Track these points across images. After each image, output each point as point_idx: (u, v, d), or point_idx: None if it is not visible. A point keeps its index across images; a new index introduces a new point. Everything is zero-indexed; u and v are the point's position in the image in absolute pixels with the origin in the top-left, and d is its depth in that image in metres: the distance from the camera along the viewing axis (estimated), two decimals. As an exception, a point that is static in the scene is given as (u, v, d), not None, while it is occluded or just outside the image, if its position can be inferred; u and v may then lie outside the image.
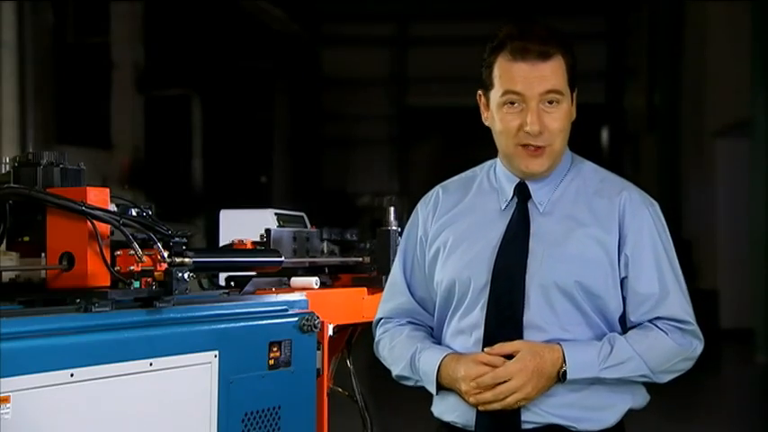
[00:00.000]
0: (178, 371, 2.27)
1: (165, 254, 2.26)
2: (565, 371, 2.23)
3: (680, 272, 2.36)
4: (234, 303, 2.60)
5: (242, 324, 2.49)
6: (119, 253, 2.26)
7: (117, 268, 2.24)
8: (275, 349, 2.56)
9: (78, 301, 2.18)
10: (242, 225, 3.20)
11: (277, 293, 2.80)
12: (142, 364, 2.18)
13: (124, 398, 2.14)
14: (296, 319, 2.65)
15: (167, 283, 2.26)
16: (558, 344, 2.25)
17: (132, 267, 2.25)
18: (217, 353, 2.38)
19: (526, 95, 2.27)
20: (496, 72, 2.31)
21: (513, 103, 2.29)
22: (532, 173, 2.34)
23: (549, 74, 2.27)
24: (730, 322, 13.09)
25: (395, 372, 2.45)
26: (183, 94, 13.25)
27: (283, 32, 15.63)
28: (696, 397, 8.88)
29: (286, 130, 16.82)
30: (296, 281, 2.98)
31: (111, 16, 11.56)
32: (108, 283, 2.23)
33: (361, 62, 17.59)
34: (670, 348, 2.30)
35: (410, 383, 2.42)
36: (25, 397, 1.92)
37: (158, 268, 2.26)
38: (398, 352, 2.43)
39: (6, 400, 1.89)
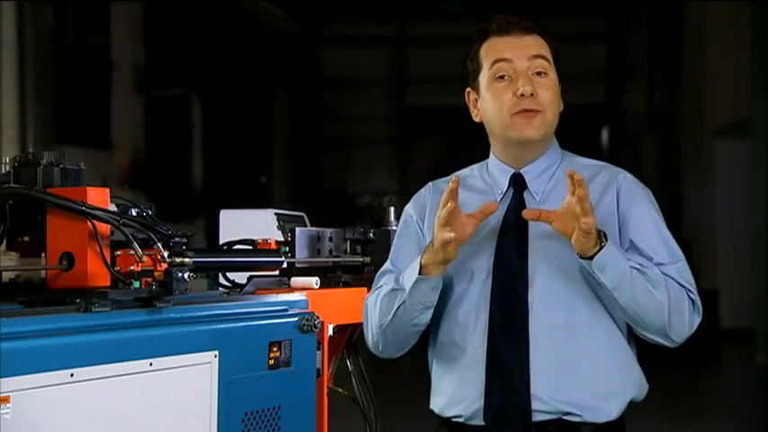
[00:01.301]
0: (178, 371, 2.27)
1: (165, 254, 2.25)
2: (599, 250, 2.18)
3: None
4: (234, 303, 2.60)
5: (242, 324, 2.49)
6: (119, 253, 2.25)
7: (117, 268, 2.23)
8: (275, 349, 2.56)
9: (78, 301, 2.17)
10: (242, 225, 3.20)
11: (277, 293, 2.80)
12: (142, 364, 2.18)
13: (124, 398, 2.14)
14: (296, 319, 2.65)
15: (167, 283, 2.25)
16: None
17: (132, 267, 2.24)
18: (217, 353, 2.38)
19: (515, 62, 2.33)
20: (483, 52, 2.38)
21: (502, 78, 2.34)
22: (529, 138, 2.34)
23: (534, 44, 2.36)
24: (730, 322, 13.09)
25: (380, 295, 2.40)
26: (183, 94, 13.26)
27: (283, 32, 15.63)
28: (696, 397, 8.89)
29: (286, 130, 16.82)
30: (296, 281, 2.98)
31: (111, 16, 11.56)
32: (108, 283, 2.22)
33: (361, 62, 17.59)
34: (678, 287, 2.29)
35: (391, 313, 2.36)
36: (25, 397, 1.92)
37: (158, 268, 2.25)
38: (385, 288, 2.41)
39: (6, 400, 1.89)
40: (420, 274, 2.28)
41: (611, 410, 2.30)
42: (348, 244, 3.27)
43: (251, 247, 2.90)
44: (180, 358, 2.28)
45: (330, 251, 3.19)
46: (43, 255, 2.23)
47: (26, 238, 2.25)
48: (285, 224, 3.30)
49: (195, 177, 13.49)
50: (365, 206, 15.88)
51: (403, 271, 2.43)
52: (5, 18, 9.19)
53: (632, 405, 2.36)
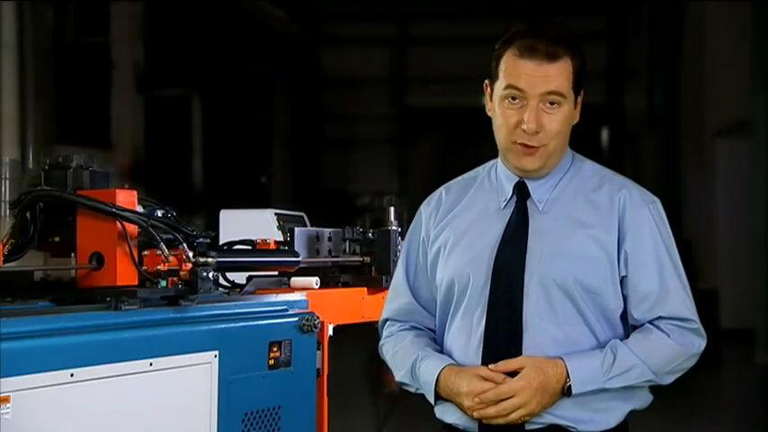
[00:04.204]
0: (178, 371, 2.28)
1: (190, 254, 2.33)
2: (570, 386, 2.23)
3: (682, 269, 2.36)
4: (234, 303, 2.60)
5: (242, 324, 2.49)
6: (146, 253, 2.32)
7: (144, 268, 2.31)
8: (275, 349, 2.56)
9: (108, 299, 2.23)
10: (242, 225, 3.21)
11: (277, 293, 2.80)
12: (142, 364, 2.18)
13: (124, 398, 2.14)
14: (296, 319, 2.66)
15: (192, 282, 2.34)
16: (561, 359, 2.24)
17: (159, 267, 2.32)
18: (217, 353, 2.38)
19: (528, 93, 2.27)
20: (502, 66, 2.31)
21: (514, 99, 2.29)
22: (524, 170, 2.34)
23: (554, 75, 2.27)
24: (730, 322, 13.08)
25: (397, 378, 2.46)
26: (183, 94, 13.25)
27: (283, 32, 15.62)
28: (696, 397, 8.88)
29: (286, 130, 16.81)
30: (296, 281, 2.98)
31: (111, 16, 11.55)
32: (136, 282, 2.29)
33: (361, 62, 17.58)
34: (672, 350, 2.30)
35: (411, 390, 2.43)
36: (25, 397, 1.93)
37: (183, 268, 2.33)
38: (401, 358, 2.44)
39: (6, 400, 1.89)
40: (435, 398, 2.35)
41: (608, 420, 2.30)
42: (348, 244, 3.27)
43: (267, 248, 2.93)
44: (180, 358, 2.28)
45: (329, 251, 3.18)
46: (73, 254, 2.30)
47: (56, 239, 2.32)
48: (285, 224, 3.30)
49: (195, 177, 13.48)
50: (365, 206, 15.88)
51: (413, 285, 2.49)
52: (5, 18, 9.17)
53: (633, 411, 2.36)
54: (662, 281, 2.32)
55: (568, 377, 2.23)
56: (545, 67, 2.27)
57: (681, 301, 2.33)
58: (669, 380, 2.34)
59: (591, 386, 2.24)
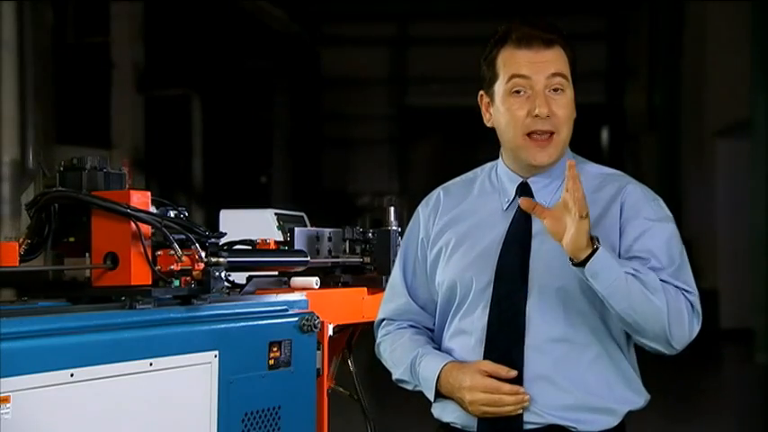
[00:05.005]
0: (178, 371, 2.28)
1: (203, 254, 2.37)
2: (597, 247, 2.15)
3: (685, 254, 2.31)
4: (234, 303, 2.60)
5: (242, 324, 2.50)
6: (159, 253, 2.36)
7: (157, 267, 2.34)
8: (275, 349, 2.57)
9: (123, 298, 2.27)
10: (242, 225, 3.21)
11: (277, 293, 2.80)
12: (142, 364, 2.19)
13: (124, 398, 2.14)
14: (296, 319, 2.66)
15: (205, 282, 2.38)
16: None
17: (172, 267, 2.35)
18: (217, 353, 2.38)
19: (533, 79, 2.29)
20: (500, 62, 2.33)
21: (518, 92, 2.30)
22: (540, 164, 2.33)
23: (553, 59, 2.30)
24: (730, 322, 13.09)
25: (395, 375, 2.45)
26: (183, 94, 13.25)
27: (283, 32, 15.62)
28: (696, 397, 8.89)
29: (286, 130, 16.81)
30: (296, 281, 2.98)
31: (111, 16, 11.56)
32: (149, 282, 2.32)
33: (361, 62, 17.60)
34: (679, 297, 2.24)
35: (409, 387, 2.42)
36: (25, 397, 1.93)
37: (196, 268, 2.37)
38: (399, 355, 2.43)
39: (6, 400, 1.89)
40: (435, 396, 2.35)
41: (608, 420, 2.29)
42: (348, 244, 3.27)
43: (267, 248, 2.94)
44: (180, 358, 2.28)
45: (329, 251, 3.19)
46: (87, 254, 2.33)
47: (71, 239, 2.36)
48: (285, 224, 3.30)
49: (195, 177, 13.49)
50: (365, 206, 15.90)
51: (411, 285, 2.48)
52: (5, 18, 9.17)
53: (631, 412, 2.35)
54: (667, 259, 2.26)
55: (596, 241, 2.15)
56: (543, 53, 2.30)
57: (682, 275, 2.28)
58: (675, 331, 2.21)
59: (610, 266, 2.16)
